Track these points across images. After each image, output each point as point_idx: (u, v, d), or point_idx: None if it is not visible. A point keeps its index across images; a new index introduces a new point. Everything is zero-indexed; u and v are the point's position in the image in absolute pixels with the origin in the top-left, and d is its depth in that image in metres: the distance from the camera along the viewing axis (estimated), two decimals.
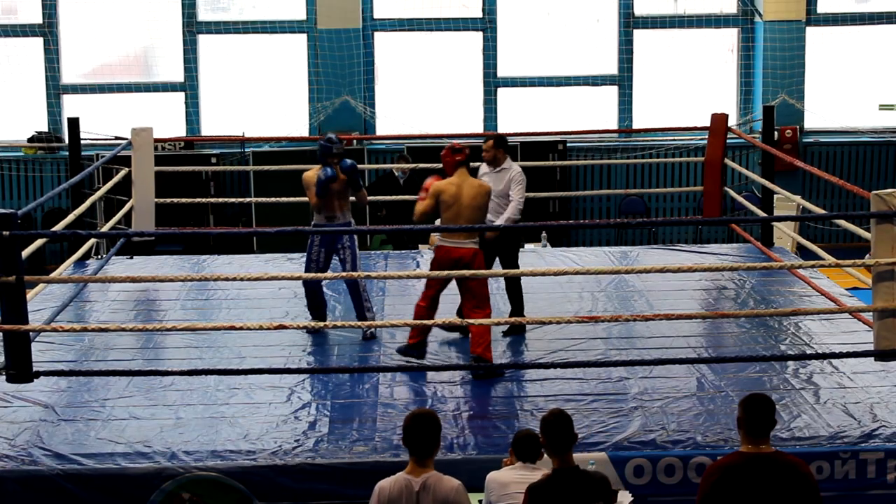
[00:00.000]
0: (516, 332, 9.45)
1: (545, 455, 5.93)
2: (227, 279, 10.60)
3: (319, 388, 8.37)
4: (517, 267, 9.44)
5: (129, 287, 10.78)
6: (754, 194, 14.94)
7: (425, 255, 12.32)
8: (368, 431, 7.55)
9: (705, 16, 17.30)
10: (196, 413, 7.91)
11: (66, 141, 11.98)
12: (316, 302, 9.66)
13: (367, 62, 16.94)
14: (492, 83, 17.28)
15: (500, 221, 9.12)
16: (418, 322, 8.53)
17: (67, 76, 17.15)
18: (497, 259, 9.45)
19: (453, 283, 8.68)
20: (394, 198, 13.22)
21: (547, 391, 8.21)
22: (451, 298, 9.74)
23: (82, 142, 11.83)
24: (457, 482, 5.75)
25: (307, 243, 9.49)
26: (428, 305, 8.67)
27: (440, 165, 8.87)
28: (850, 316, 9.24)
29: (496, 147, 9.25)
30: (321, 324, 8.70)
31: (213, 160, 16.32)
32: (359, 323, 8.99)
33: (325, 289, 10.01)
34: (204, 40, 17.12)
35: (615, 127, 17.14)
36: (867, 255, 7.74)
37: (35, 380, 7.52)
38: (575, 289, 10.65)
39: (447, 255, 8.49)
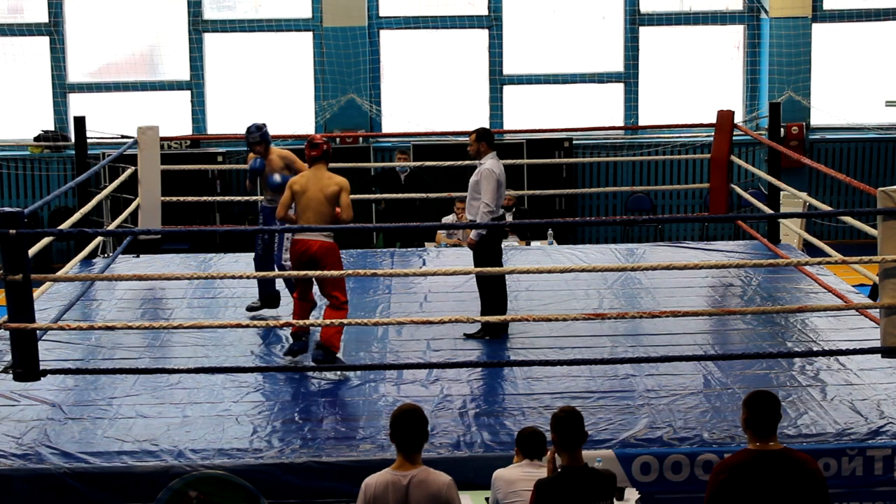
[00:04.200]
0: (492, 334, 9.24)
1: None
2: (233, 277, 10.63)
3: (326, 386, 8.37)
4: (492, 266, 9.16)
5: (135, 285, 10.79)
6: (761, 191, 14.93)
7: (431, 252, 12.32)
8: (375, 429, 7.54)
9: (711, 13, 17.29)
10: (203, 411, 7.91)
11: (73, 139, 12.01)
12: (269, 290, 10.04)
13: (372, 60, 16.94)
14: (497, 80, 17.28)
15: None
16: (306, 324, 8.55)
17: (73, 75, 17.17)
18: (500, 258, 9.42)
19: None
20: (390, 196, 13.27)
21: (554, 388, 8.20)
22: (453, 299, 9.74)
23: (88, 140, 11.83)
24: (447, 477, 5.62)
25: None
26: (301, 301, 8.79)
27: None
28: (856, 312, 9.23)
29: (477, 140, 9.29)
30: (328, 321, 8.68)
31: (220, 158, 16.34)
32: (364, 321, 8.97)
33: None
34: (210, 39, 17.15)
35: (621, 124, 17.14)
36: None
37: (42, 378, 7.54)
38: (581, 286, 10.64)
39: (303, 249, 8.55)
